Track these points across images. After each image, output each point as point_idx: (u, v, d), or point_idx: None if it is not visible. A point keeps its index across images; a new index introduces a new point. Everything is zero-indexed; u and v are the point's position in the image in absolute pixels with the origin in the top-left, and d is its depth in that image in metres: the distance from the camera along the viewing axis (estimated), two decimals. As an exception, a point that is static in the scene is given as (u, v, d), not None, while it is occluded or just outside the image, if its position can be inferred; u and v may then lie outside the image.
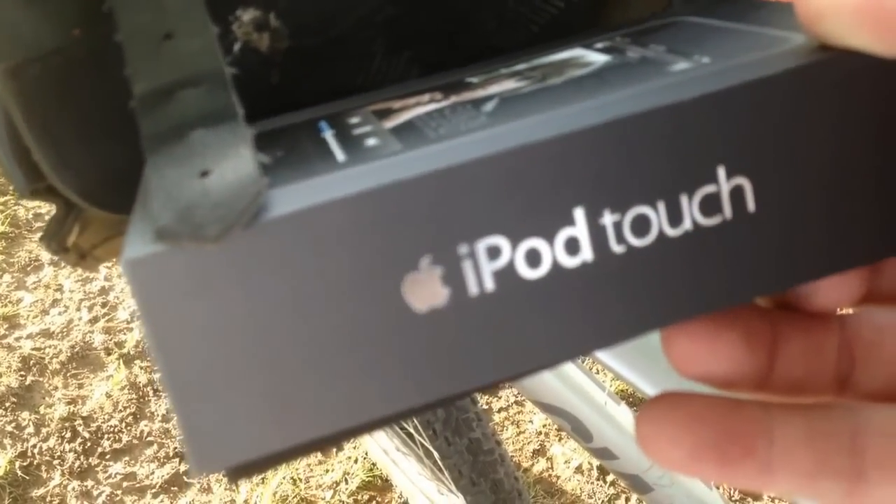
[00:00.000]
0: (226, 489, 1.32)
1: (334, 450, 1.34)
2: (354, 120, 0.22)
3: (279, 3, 0.26)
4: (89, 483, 1.33)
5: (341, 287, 0.17)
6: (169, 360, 0.16)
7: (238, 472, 0.18)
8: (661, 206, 0.18)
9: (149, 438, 1.38)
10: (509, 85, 0.22)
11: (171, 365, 0.16)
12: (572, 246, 0.17)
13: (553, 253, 0.17)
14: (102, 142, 0.25)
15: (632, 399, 1.23)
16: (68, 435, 1.38)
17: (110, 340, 1.50)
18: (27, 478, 1.33)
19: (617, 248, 0.18)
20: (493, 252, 0.17)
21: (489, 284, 0.17)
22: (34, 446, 1.37)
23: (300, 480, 1.32)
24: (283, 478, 1.32)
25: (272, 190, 0.17)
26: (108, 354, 1.48)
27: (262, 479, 1.32)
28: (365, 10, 0.27)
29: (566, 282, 0.18)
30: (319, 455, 1.34)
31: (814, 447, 0.19)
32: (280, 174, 0.18)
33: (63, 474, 1.34)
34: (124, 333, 1.51)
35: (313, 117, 0.24)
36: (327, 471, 1.33)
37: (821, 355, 0.21)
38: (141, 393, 1.43)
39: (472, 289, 0.17)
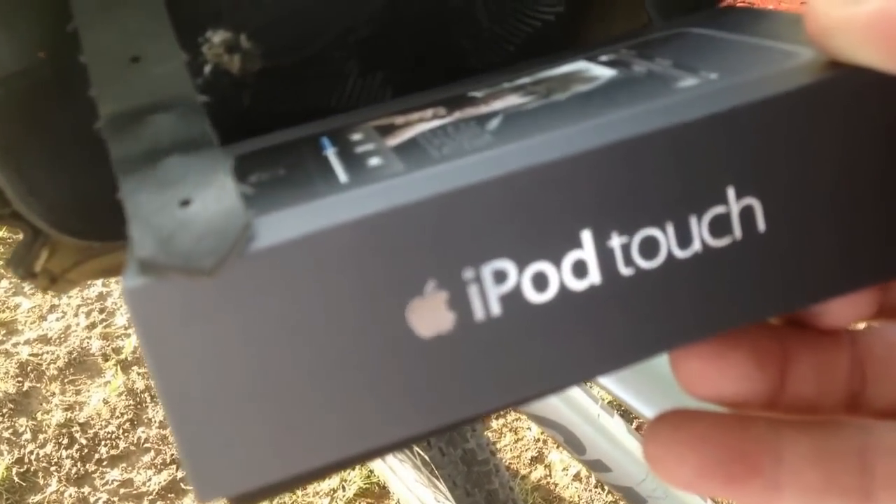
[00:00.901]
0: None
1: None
2: (357, 137, 0.22)
3: (250, 25, 0.25)
4: (86, 490, 1.33)
5: (344, 313, 0.16)
6: (170, 387, 0.16)
7: (242, 501, 0.17)
8: (670, 227, 0.17)
9: (146, 445, 1.38)
10: (513, 100, 0.22)
11: (172, 392, 0.16)
12: (580, 269, 0.17)
13: (560, 276, 0.17)
14: (70, 167, 0.25)
15: (624, 410, 1.23)
16: (65, 441, 1.38)
17: (108, 346, 1.49)
18: (24, 484, 1.33)
19: (625, 271, 0.17)
20: (500, 276, 0.17)
21: (495, 309, 0.17)
22: (31, 453, 1.36)
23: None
24: (281, 485, 1.32)
25: (274, 213, 0.17)
26: (106, 360, 1.48)
27: (259, 485, 1.32)
28: (338, 30, 0.26)
29: (574, 305, 0.17)
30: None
31: (822, 465, 0.19)
32: (281, 195, 0.18)
33: (60, 481, 1.34)
34: (122, 339, 1.51)
35: (316, 133, 0.23)
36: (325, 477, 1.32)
37: (832, 373, 0.20)
38: (138, 399, 1.43)
39: (479, 313, 0.17)
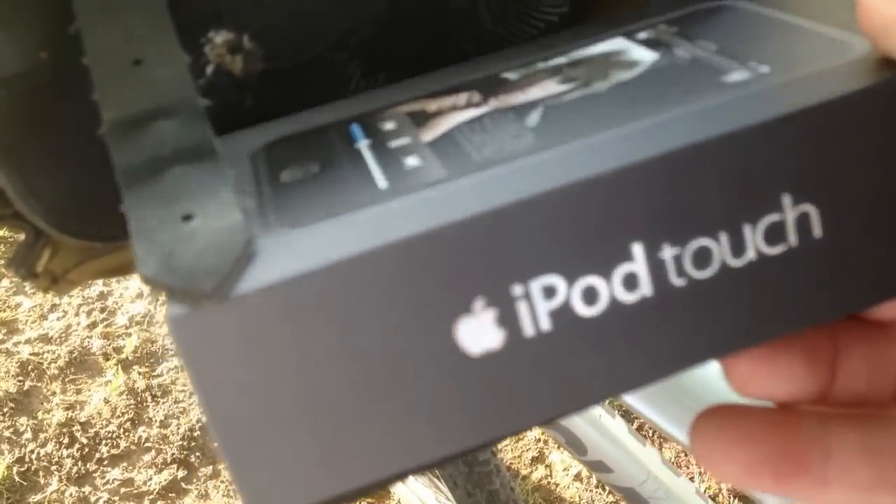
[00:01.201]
0: (223, 496, 1.32)
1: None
2: (389, 126, 0.21)
3: (252, 25, 0.25)
4: (87, 489, 1.33)
5: (391, 333, 0.16)
6: (217, 412, 0.16)
7: None
8: (724, 237, 0.17)
9: (147, 444, 1.37)
10: (551, 87, 0.21)
11: (219, 417, 0.16)
12: (630, 281, 0.17)
13: (610, 289, 0.17)
14: (71, 168, 0.25)
15: (626, 411, 1.23)
16: (66, 441, 1.38)
17: (109, 346, 1.49)
18: (25, 483, 1.33)
19: (677, 282, 0.17)
20: (549, 292, 0.17)
21: (545, 324, 0.17)
22: (32, 452, 1.36)
23: (298, 487, 1.31)
24: (281, 484, 1.31)
25: (316, 225, 0.17)
26: (107, 360, 1.48)
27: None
28: (340, 31, 0.26)
29: (624, 317, 0.17)
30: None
31: (872, 461, 0.19)
32: (319, 201, 0.18)
33: (61, 480, 1.34)
34: (122, 339, 1.51)
35: (345, 118, 0.23)
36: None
37: (883, 366, 0.20)
38: (139, 398, 1.43)
39: (528, 330, 0.17)
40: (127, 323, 1.53)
